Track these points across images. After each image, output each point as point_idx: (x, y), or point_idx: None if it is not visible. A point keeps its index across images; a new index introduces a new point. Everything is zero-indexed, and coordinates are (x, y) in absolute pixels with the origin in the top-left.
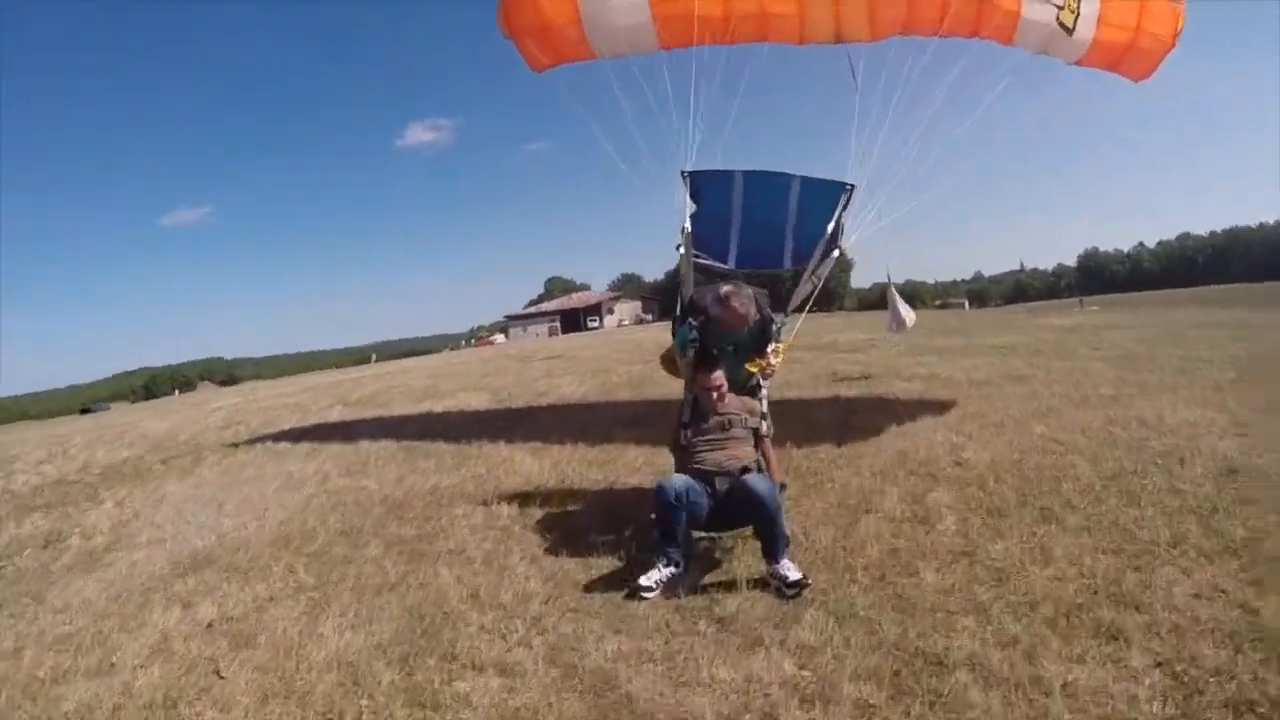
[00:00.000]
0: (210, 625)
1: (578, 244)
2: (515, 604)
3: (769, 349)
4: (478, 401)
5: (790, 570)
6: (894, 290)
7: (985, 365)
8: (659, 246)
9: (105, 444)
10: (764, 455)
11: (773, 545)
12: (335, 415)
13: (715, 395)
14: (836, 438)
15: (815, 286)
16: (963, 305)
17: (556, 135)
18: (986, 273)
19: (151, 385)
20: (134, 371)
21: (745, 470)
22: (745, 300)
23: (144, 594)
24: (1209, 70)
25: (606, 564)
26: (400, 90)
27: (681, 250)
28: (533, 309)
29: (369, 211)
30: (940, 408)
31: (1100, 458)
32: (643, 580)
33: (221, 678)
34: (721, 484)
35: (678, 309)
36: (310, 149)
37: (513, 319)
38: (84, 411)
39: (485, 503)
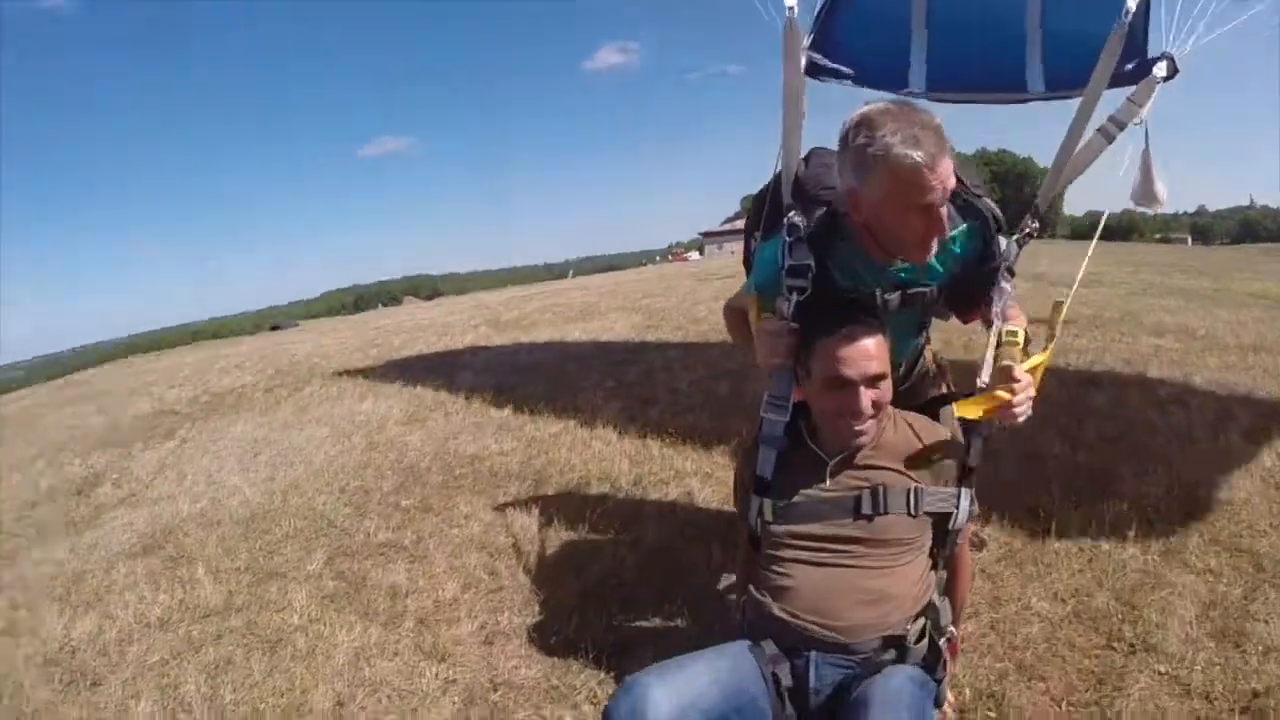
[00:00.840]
0: (75, 650)
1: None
2: None
3: (1001, 322)
4: (623, 325)
5: None
6: (1149, 152)
7: (1253, 322)
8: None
9: (241, 368)
10: (952, 576)
11: None
12: (468, 339)
13: (859, 408)
14: (1076, 445)
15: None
16: (1185, 241)
17: (749, 57)
18: (1211, 206)
19: (360, 301)
20: (346, 289)
21: (892, 650)
22: (943, 169)
23: (79, 578)
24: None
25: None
26: (589, 13)
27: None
28: (728, 226)
29: (567, 132)
30: (1219, 391)
31: None
32: None
33: None
34: (823, 675)
35: (765, 206)
36: (505, 73)
37: (708, 236)
38: (273, 329)
39: (509, 493)
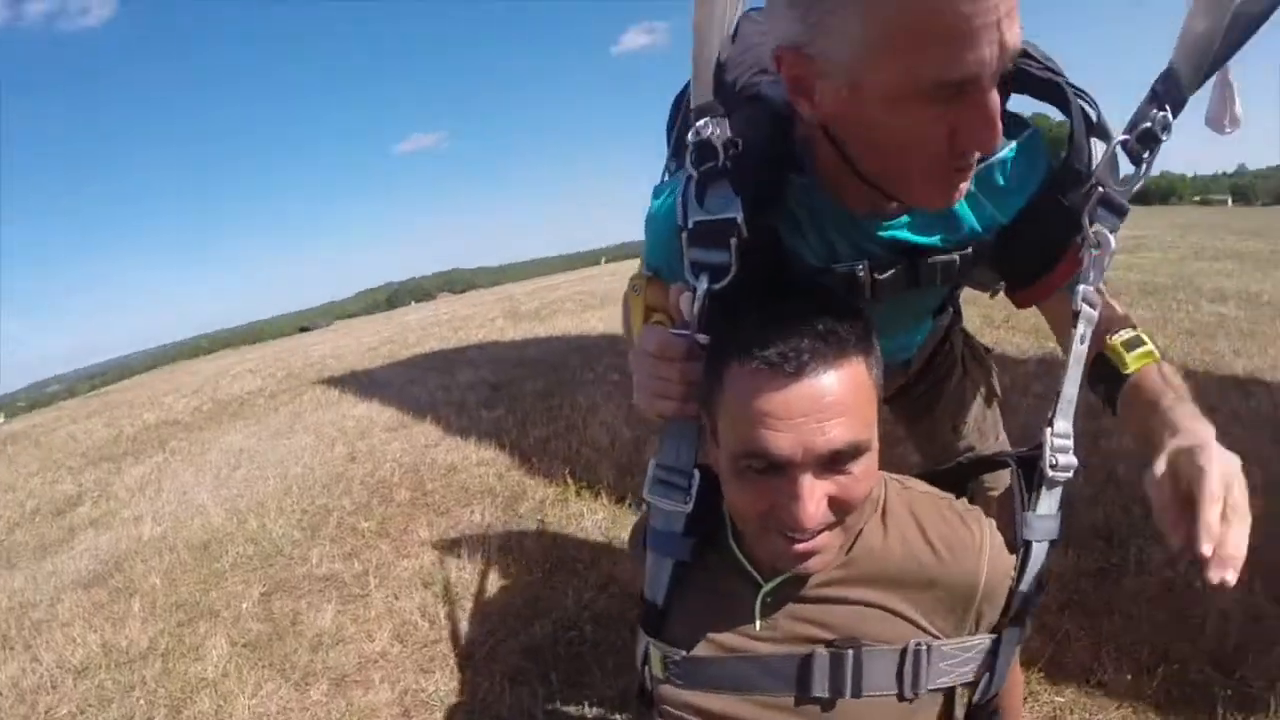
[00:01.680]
0: None
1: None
2: None
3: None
4: None
5: None
6: (1229, 69)
7: None
8: None
9: (254, 373)
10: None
11: None
12: (481, 333)
13: (796, 525)
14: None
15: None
16: (1225, 202)
17: None
18: (1251, 165)
19: (394, 298)
20: (379, 287)
21: None
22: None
23: (21, 611)
24: None
25: None
26: None
27: None
28: None
29: (593, 116)
30: None
31: None
32: None
33: None
34: None
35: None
36: (533, 59)
37: None
38: (303, 330)
39: (476, 515)
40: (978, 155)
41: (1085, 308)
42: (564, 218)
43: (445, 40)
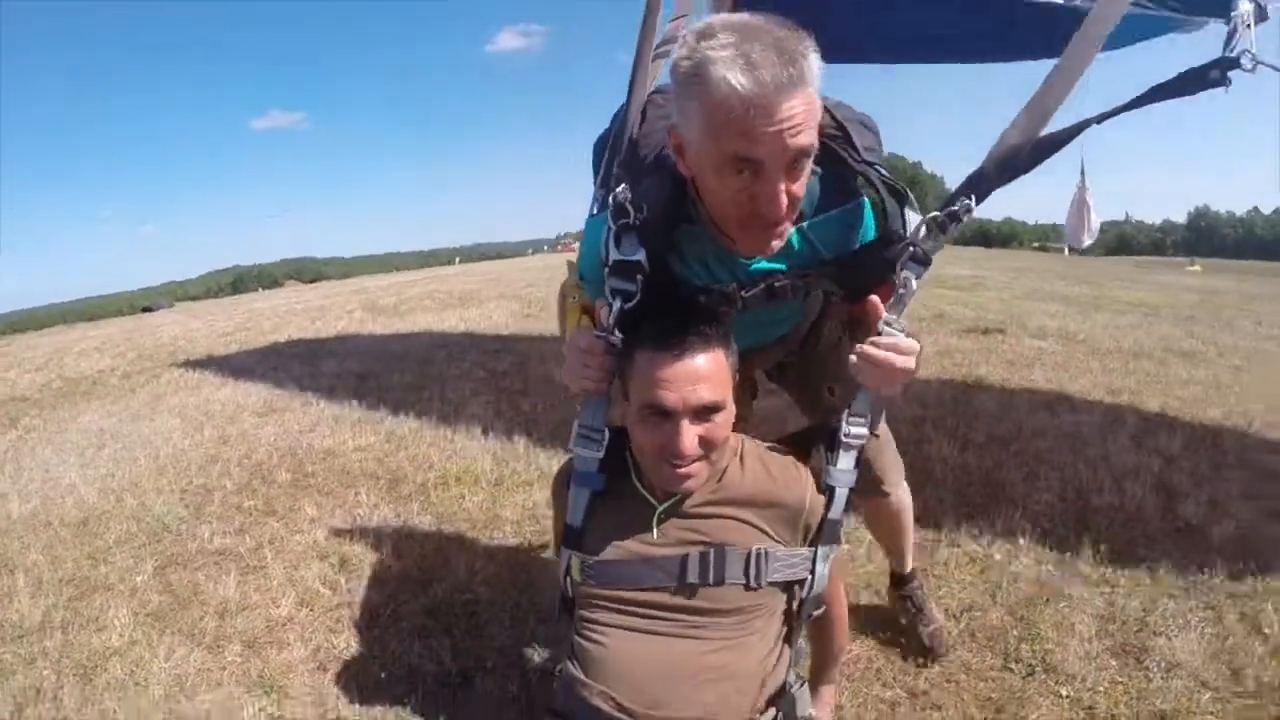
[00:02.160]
0: None
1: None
2: None
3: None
4: (501, 313)
5: None
6: (1087, 189)
7: (1129, 327)
8: None
9: (101, 352)
10: (823, 629)
11: None
12: (340, 325)
13: (681, 446)
14: (965, 448)
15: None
16: (1062, 250)
17: None
18: None
19: (239, 283)
20: (225, 270)
21: None
22: (790, 108)
23: None
24: None
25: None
26: None
27: None
28: None
29: (461, 118)
30: (1104, 396)
31: None
32: None
33: None
34: None
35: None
36: (404, 54)
37: None
38: (145, 310)
39: (360, 496)
40: (791, 214)
41: (885, 328)
42: (419, 214)
43: (317, 16)
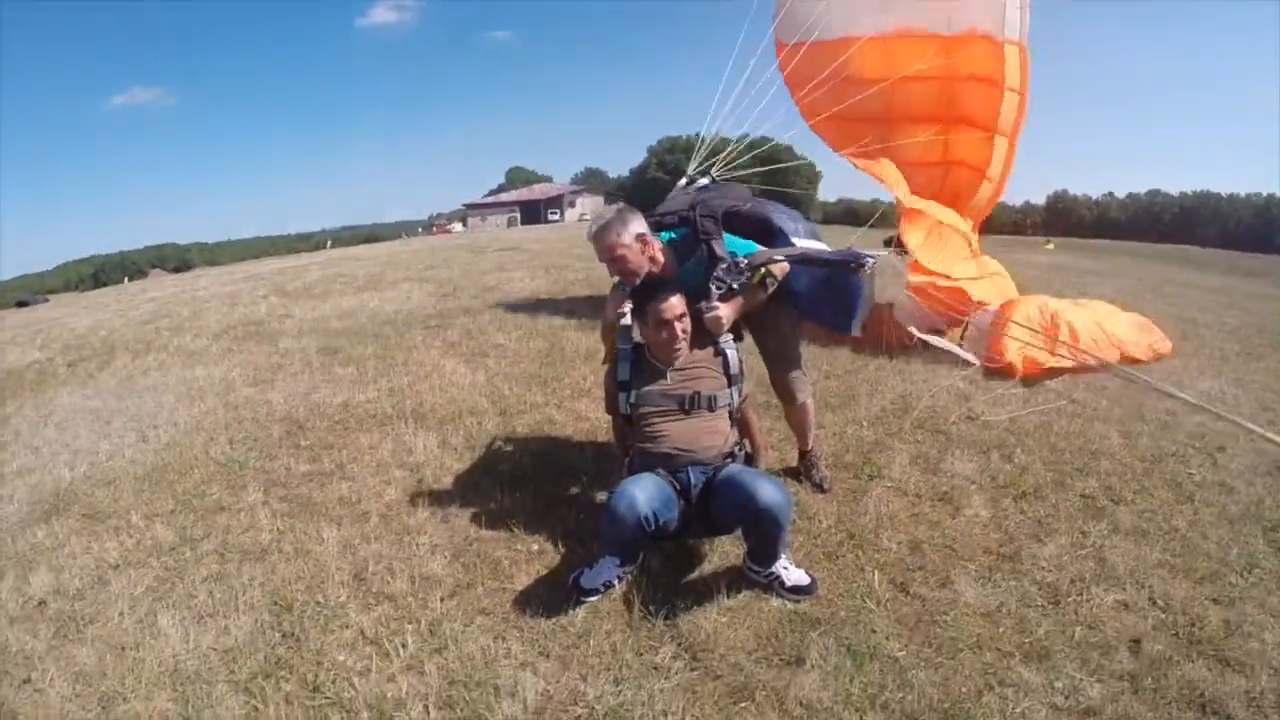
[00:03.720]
0: (42, 603)
1: (541, 137)
2: (410, 596)
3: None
4: (419, 294)
5: (790, 570)
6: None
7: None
8: (623, 142)
9: (18, 345)
10: (744, 425)
11: (771, 550)
12: (264, 309)
13: (674, 335)
14: (817, 368)
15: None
16: None
17: (523, 25)
18: None
19: (100, 274)
20: (84, 260)
21: (728, 458)
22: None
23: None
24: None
25: (537, 536)
26: None
27: None
28: (492, 199)
29: (330, 94)
30: (931, 341)
31: (1131, 432)
32: (584, 580)
33: (34, 689)
34: (696, 478)
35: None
36: (270, 28)
37: (472, 208)
38: (20, 305)
39: (398, 428)
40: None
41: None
42: (284, 197)
43: None
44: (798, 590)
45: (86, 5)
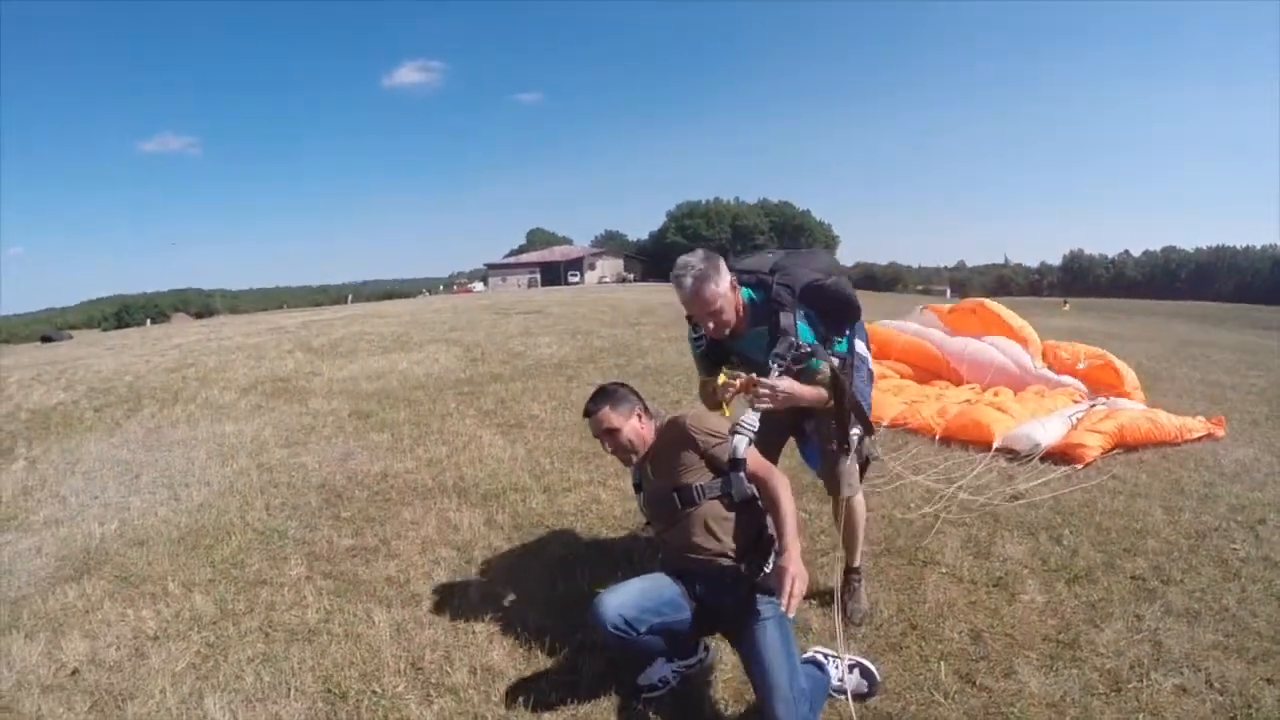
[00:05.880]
0: (75, 672)
1: (561, 199)
2: (473, 689)
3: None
4: (447, 357)
5: (848, 679)
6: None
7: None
8: (643, 206)
9: (44, 383)
10: (771, 507)
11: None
12: (291, 364)
13: (607, 448)
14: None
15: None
16: (944, 293)
17: (548, 86)
18: (970, 262)
19: (124, 314)
20: (107, 298)
21: (746, 563)
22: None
23: (14, 606)
24: (1208, 92)
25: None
26: (393, 27)
27: None
28: (513, 259)
29: (354, 150)
30: None
31: (1173, 507)
32: (640, 679)
33: None
34: (705, 590)
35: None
36: (298, 84)
37: (493, 268)
38: (44, 340)
39: (441, 503)
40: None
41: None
42: (306, 249)
43: (206, 39)
44: (859, 697)
45: (123, 51)
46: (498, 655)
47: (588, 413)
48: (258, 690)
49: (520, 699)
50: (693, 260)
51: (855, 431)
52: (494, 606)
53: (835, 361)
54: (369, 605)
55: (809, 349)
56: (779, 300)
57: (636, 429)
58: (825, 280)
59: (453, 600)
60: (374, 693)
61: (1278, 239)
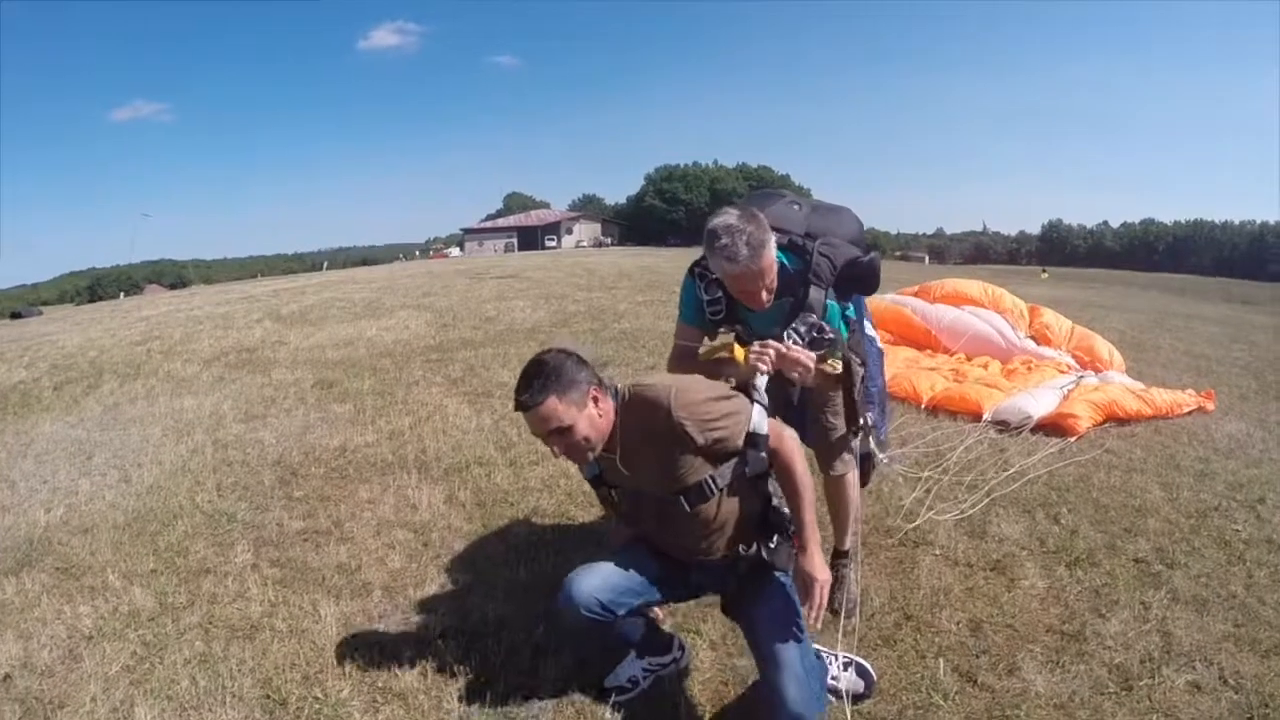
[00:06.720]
0: (7, 678)
1: (539, 162)
2: (423, 693)
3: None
4: (417, 323)
5: (841, 678)
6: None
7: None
8: (621, 170)
9: (5, 361)
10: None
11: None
12: (259, 333)
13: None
14: None
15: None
16: (923, 259)
17: (525, 50)
18: (948, 230)
19: (96, 287)
20: (81, 272)
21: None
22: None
23: None
24: (1190, 68)
25: None
26: None
27: None
28: (490, 224)
29: (330, 115)
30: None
31: (1171, 484)
32: (607, 680)
33: None
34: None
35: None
36: (274, 47)
37: (469, 233)
38: (14, 316)
39: (401, 479)
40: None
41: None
42: (281, 216)
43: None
44: (855, 699)
45: (90, 14)
46: (452, 655)
47: (523, 406)
48: (192, 697)
49: (475, 704)
50: (737, 224)
51: (870, 416)
52: (450, 597)
53: (854, 359)
54: (316, 597)
55: (831, 335)
56: (818, 274)
57: (593, 419)
58: (863, 258)
59: (406, 590)
60: (315, 698)
61: (1257, 214)
